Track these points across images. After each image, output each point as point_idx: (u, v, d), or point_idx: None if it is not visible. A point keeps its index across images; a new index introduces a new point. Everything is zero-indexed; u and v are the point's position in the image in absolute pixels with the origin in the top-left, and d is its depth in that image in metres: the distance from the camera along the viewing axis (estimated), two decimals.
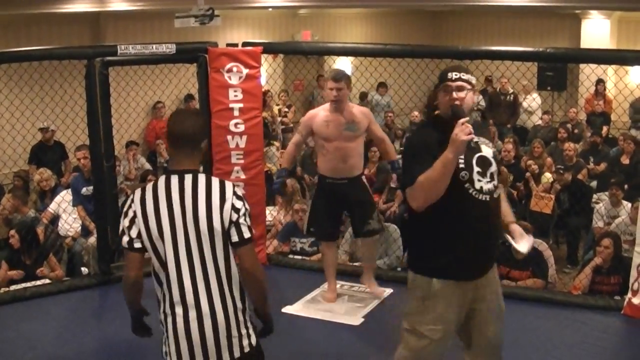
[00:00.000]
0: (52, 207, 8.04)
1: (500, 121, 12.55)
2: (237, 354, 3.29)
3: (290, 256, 7.20)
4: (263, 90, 11.64)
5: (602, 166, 10.19)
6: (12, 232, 6.67)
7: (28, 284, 6.43)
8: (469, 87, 3.62)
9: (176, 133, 3.29)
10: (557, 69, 13.90)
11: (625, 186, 8.55)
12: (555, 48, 6.65)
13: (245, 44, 6.93)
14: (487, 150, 3.67)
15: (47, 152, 10.08)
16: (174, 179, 3.25)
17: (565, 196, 8.74)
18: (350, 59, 13.49)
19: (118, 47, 6.42)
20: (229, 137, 6.74)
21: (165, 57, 6.73)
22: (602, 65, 6.63)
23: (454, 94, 3.58)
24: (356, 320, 5.74)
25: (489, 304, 3.78)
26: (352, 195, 5.84)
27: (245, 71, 6.71)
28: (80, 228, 7.80)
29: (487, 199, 3.61)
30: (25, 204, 7.99)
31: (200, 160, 3.38)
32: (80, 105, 7.21)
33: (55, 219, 7.97)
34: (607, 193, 8.52)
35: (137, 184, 8.89)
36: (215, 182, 3.27)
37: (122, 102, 9.03)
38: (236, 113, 6.73)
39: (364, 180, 6.04)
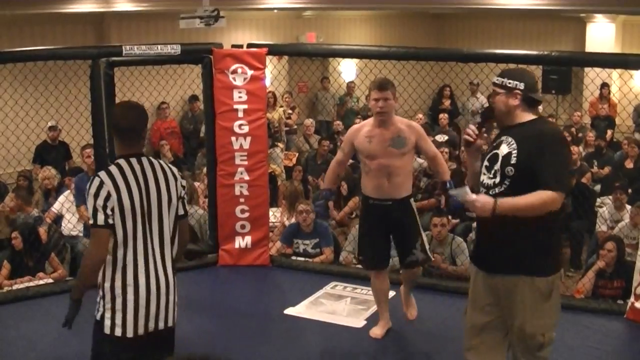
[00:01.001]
0: (56, 206, 8.05)
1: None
2: (175, 319, 3.79)
3: (293, 258, 7.19)
4: (270, 91, 11.71)
5: (606, 170, 10.18)
6: (15, 233, 6.67)
7: (30, 284, 6.43)
8: (501, 91, 3.78)
9: (125, 125, 3.70)
10: (562, 73, 13.87)
11: (629, 190, 8.53)
12: (559, 51, 6.66)
13: (250, 46, 6.94)
14: (503, 150, 3.74)
15: (51, 152, 10.10)
16: (134, 161, 3.63)
17: (568, 200, 8.72)
18: (354, 61, 13.50)
19: (123, 47, 6.43)
20: (233, 139, 6.75)
21: (170, 58, 6.74)
22: (607, 69, 6.63)
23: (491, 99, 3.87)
24: (359, 322, 5.73)
25: (507, 312, 3.80)
26: (396, 217, 5.24)
27: (249, 72, 6.72)
28: (83, 228, 7.81)
29: (483, 192, 3.75)
30: (29, 203, 8.01)
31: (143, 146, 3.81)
32: (84, 106, 7.22)
33: (58, 218, 7.97)
34: (610, 197, 8.51)
35: None
36: (164, 163, 3.75)
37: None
38: (240, 114, 6.74)
39: (412, 203, 5.37)
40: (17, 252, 6.63)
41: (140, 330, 3.59)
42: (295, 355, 5.17)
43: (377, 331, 5.47)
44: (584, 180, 9.27)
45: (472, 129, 3.85)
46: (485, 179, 3.79)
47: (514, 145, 3.69)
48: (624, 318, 5.75)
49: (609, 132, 12.11)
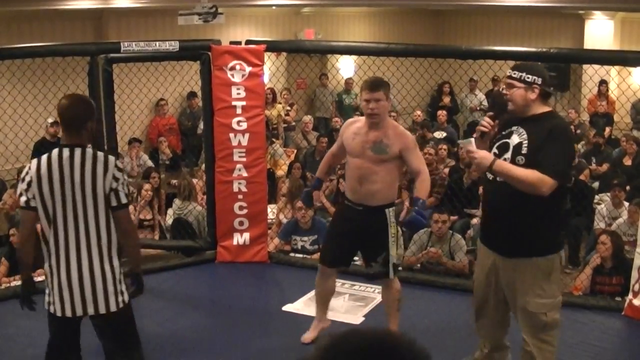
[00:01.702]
0: None
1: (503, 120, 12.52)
2: (113, 307, 3.86)
3: (292, 254, 7.20)
4: (269, 88, 11.70)
5: (604, 167, 10.18)
6: (13, 230, 6.67)
7: None
8: (520, 85, 3.92)
9: (64, 115, 3.85)
10: (560, 70, 13.87)
11: (627, 187, 8.54)
12: (558, 48, 6.65)
13: (248, 42, 6.94)
14: (514, 140, 3.92)
15: (50, 149, 10.05)
16: (66, 152, 3.78)
17: (567, 196, 8.72)
18: (353, 57, 13.49)
19: (121, 44, 6.43)
20: (232, 135, 6.75)
21: (168, 55, 6.75)
22: (605, 66, 6.63)
23: (504, 90, 4.00)
24: (357, 319, 5.75)
25: (510, 293, 4.06)
26: (364, 226, 4.90)
27: (248, 69, 6.72)
28: None
29: (491, 178, 3.97)
30: None
31: (89, 138, 3.87)
32: None
33: None
34: (609, 194, 8.51)
35: (140, 181, 8.90)
36: (100, 155, 3.80)
37: (126, 99, 9.03)
38: (239, 111, 6.74)
39: (389, 215, 4.91)
40: (15, 249, 6.63)
41: (68, 313, 3.85)
42: (294, 351, 5.17)
43: (307, 335, 5.27)
44: (582, 177, 9.28)
45: (487, 120, 4.02)
46: None
47: (525, 136, 3.86)
48: (622, 315, 5.76)
49: (608, 129, 12.11)
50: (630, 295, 5.75)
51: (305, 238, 7.23)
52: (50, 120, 9.90)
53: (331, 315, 5.77)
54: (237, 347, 5.30)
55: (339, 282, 6.34)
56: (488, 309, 4.26)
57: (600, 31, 14.30)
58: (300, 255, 7.14)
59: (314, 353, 1.47)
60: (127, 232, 3.91)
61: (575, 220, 8.58)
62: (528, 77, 3.90)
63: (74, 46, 7.33)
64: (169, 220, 8.20)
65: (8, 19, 10.83)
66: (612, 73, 11.96)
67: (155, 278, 6.51)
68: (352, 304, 6.03)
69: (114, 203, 3.80)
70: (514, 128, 3.94)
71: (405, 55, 7.01)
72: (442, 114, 12.45)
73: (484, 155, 3.83)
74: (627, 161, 10.03)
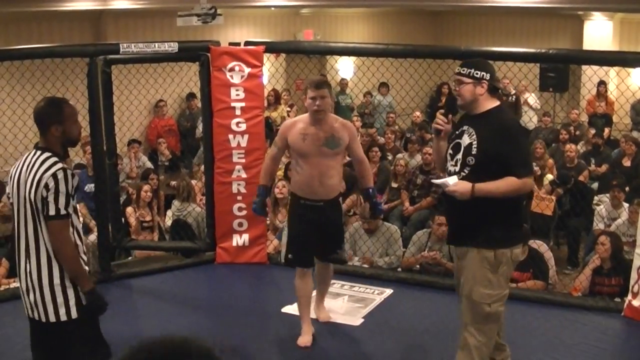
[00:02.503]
0: None
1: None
2: (52, 318, 3.73)
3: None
4: (273, 89, 11.70)
5: (604, 168, 10.18)
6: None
7: None
8: (468, 80, 4.05)
9: (34, 117, 3.83)
10: (559, 70, 13.87)
11: (627, 188, 8.54)
12: (557, 49, 6.66)
13: (247, 43, 6.94)
14: (465, 140, 4.05)
15: None
16: (30, 154, 3.79)
17: (566, 198, 8.73)
18: (352, 58, 13.50)
19: (120, 45, 6.43)
20: (231, 136, 6.75)
21: (167, 56, 6.75)
22: (604, 67, 6.63)
23: (453, 87, 4.15)
24: (356, 320, 5.74)
25: (461, 280, 4.18)
26: (327, 219, 5.15)
27: (247, 70, 6.72)
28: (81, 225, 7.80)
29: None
30: None
31: (55, 142, 3.77)
32: (82, 104, 7.20)
33: None
34: (608, 195, 8.51)
35: (139, 182, 8.89)
36: (47, 160, 3.69)
37: (125, 100, 9.03)
38: (238, 112, 6.74)
39: (340, 202, 5.37)
40: (14, 250, 6.62)
41: (28, 314, 3.85)
42: (293, 353, 5.17)
43: (305, 339, 5.29)
44: (581, 178, 9.28)
45: (441, 118, 4.15)
46: (449, 166, 4.13)
47: (474, 137, 4.01)
48: (621, 316, 5.76)
49: (607, 130, 12.11)
50: (629, 296, 5.75)
51: None
52: None
53: (331, 317, 5.77)
54: (237, 348, 5.29)
55: (338, 284, 6.36)
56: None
57: (599, 32, 14.29)
58: None
59: None
60: (54, 245, 3.71)
61: (575, 221, 8.59)
62: (477, 73, 4.04)
63: (72, 47, 7.31)
64: (168, 221, 8.20)
65: (7, 20, 10.83)
66: (611, 74, 11.96)
67: (154, 279, 6.51)
68: (351, 306, 6.02)
69: (43, 213, 3.67)
70: (465, 128, 4.07)
71: (404, 56, 7.00)
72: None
73: (463, 190, 3.94)
74: (626, 162, 10.03)
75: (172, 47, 6.60)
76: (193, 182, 8.66)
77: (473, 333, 4.11)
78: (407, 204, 8.72)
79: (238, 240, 6.94)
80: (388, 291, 6.27)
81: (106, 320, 5.81)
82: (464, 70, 4.07)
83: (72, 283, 3.74)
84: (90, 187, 7.53)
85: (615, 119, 12.54)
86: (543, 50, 6.27)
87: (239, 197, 6.84)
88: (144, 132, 12.14)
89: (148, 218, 8.11)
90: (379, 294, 6.25)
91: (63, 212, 3.64)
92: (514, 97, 13.10)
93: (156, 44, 6.58)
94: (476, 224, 4.06)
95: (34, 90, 8.80)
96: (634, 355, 5.35)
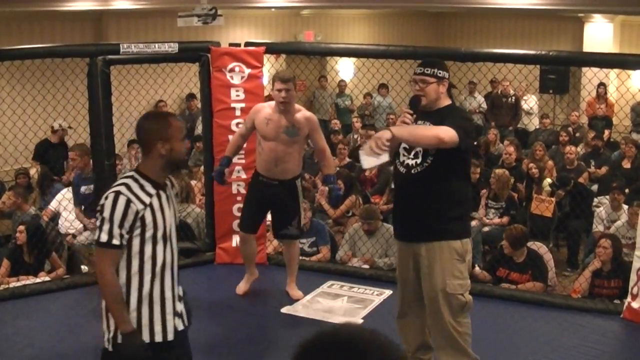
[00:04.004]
0: (53, 204, 8.04)
1: (501, 123, 12.54)
2: (105, 343, 3.46)
3: None
4: (269, 94, 11.69)
5: (603, 170, 10.18)
6: (21, 227, 6.66)
7: (28, 281, 6.43)
8: (432, 80, 4.18)
9: (136, 133, 3.54)
10: (560, 72, 13.88)
11: (626, 190, 8.54)
12: (557, 51, 6.67)
13: (247, 44, 6.94)
14: None
15: (50, 150, 10.09)
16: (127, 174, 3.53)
17: (566, 199, 8.73)
18: (352, 59, 13.50)
19: (121, 45, 6.43)
20: (230, 137, 6.74)
21: (167, 56, 6.74)
22: (605, 69, 6.63)
23: (416, 86, 4.21)
24: (355, 321, 5.73)
25: (428, 277, 4.22)
26: (279, 197, 5.78)
27: (247, 71, 6.72)
28: (81, 226, 7.80)
29: (404, 172, 4.22)
30: (26, 201, 8.00)
31: (158, 161, 3.41)
32: (82, 103, 7.22)
33: (55, 216, 7.97)
34: (607, 197, 8.51)
35: None
36: (114, 185, 3.41)
37: (124, 100, 9.03)
38: (238, 113, 6.74)
39: (298, 185, 5.92)
40: (16, 249, 6.63)
41: None
42: (292, 354, 5.17)
43: (242, 286, 6.20)
44: (581, 180, 9.28)
45: (408, 117, 4.18)
46: (405, 159, 4.21)
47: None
48: (620, 318, 5.76)
49: (607, 132, 12.12)
50: (628, 298, 5.75)
51: (304, 240, 7.22)
52: (64, 124, 9.88)
53: (329, 318, 5.78)
54: (236, 348, 5.29)
55: (337, 284, 6.36)
56: (415, 306, 4.40)
57: (600, 34, 14.31)
58: (299, 257, 7.13)
59: (296, 349, 1.63)
60: (96, 272, 3.46)
61: (574, 222, 8.58)
62: (440, 72, 4.19)
63: (73, 47, 7.32)
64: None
65: (8, 20, 10.84)
66: (611, 76, 11.96)
67: None
68: (350, 306, 6.03)
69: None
70: (422, 122, 4.20)
71: (404, 58, 7.00)
72: None
73: (380, 133, 3.92)
74: (626, 164, 10.03)
75: (173, 47, 6.60)
76: (192, 182, 8.66)
77: (455, 326, 4.21)
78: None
79: (238, 240, 6.93)
80: (387, 292, 6.26)
81: None
82: (428, 70, 4.20)
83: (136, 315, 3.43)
84: (87, 188, 7.52)
85: (615, 121, 12.53)
86: (543, 52, 6.28)
87: (239, 198, 6.83)
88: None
89: None
90: (378, 295, 6.25)
91: (103, 239, 3.31)
92: (513, 98, 13.09)
93: (156, 45, 6.58)
94: (441, 219, 4.18)
95: (34, 90, 8.83)
96: (632, 357, 5.35)
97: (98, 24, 12.22)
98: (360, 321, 5.73)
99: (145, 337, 3.40)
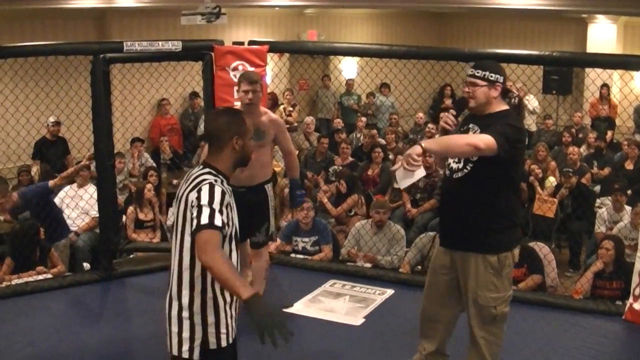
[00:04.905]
0: (55, 202, 8.03)
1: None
2: (174, 351, 3.37)
3: (292, 255, 7.20)
4: (271, 92, 11.69)
5: (606, 171, 10.17)
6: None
7: (29, 279, 6.43)
8: (483, 83, 4.03)
9: (209, 129, 3.49)
10: (563, 73, 13.86)
11: (629, 191, 8.53)
12: (561, 52, 6.65)
13: (251, 43, 6.94)
14: None
15: (51, 148, 10.10)
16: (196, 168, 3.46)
17: (568, 200, 8.73)
18: (355, 59, 13.49)
19: (124, 43, 6.43)
20: None
21: (171, 54, 6.74)
22: (608, 70, 6.62)
23: (465, 89, 4.09)
24: (357, 320, 5.74)
25: (464, 286, 4.19)
26: (247, 204, 5.14)
27: (250, 70, 6.71)
28: (84, 224, 7.81)
29: (448, 175, 4.16)
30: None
31: (231, 157, 3.40)
32: (85, 101, 7.22)
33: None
34: (610, 198, 8.51)
35: (141, 180, 8.90)
36: (199, 175, 3.34)
37: (128, 96, 9.04)
38: None
39: (268, 189, 5.55)
40: (17, 246, 6.63)
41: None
42: (293, 352, 5.16)
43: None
44: (583, 180, 9.27)
45: (451, 119, 4.10)
46: (452, 163, 4.13)
47: (478, 133, 4.01)
48: (622, 319, 5.75)
49: (609, 133, 12.11)
50: (630, 300, 5.75)
51: (306, 239, 7.24)
52: (51, 119, 9.90)
53: (331, 317, 5.79)
54: (237, 347, 5.28)
55: (339, 284, 6.36)
56: (440, 311, 4.36)
57: (603, 35, 14.28)
58: (301, 256, 7.14)
59: None
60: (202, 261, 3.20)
61: (576, 224, 8.58)
62: (491, 76, 4.03)
63: (76, 45, 7.32)
64: (170, 220, 8.20)
65: (11, 17, 10.84)
66: (615, 77, 11.95)
67: (156, 278, 6.50)
68: (352, 306, 6.02)
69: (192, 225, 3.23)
70: (470, 126, 4.10)
71: (407, 58, 6.99)
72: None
73: (410, 149, 3.79)
74: (629, 165, 10.02)
75: (176, 45, 6.59)
76: None
77: (482, 334, 4.17)
78: (408, 205, 8.72)
79: None
80: (389, 291, 6.27)
81: (106, 319, 5.85)
82: (478, 73, 4.05)
83: (201, 321, 3.36)
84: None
85: (618, 122, 12.53)
86: (547, 53, 6.26)
87: None
88: (147, 131, 12.14)
89: (150, 217, 8.11)
90: (380, 295, 6.25)
91: (204, 222, 3.18)
92: (517, 99, 13.04)
93: (160, 43, 6.57)
94: (479, 229, 4.08)
95: (37, 87, 8.83)
96: (634, 359, 5.34)
97: (101, 22, 12.22)
98: (362, 320, 5.73)
99: (212, 344, 3.38)
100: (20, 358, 5.17)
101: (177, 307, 3.35)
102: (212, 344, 3.38)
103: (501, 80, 4.06)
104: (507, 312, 4.20)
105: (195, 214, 3.18)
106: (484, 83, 4.03)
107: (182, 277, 3.33)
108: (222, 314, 3.40)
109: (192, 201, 3.23)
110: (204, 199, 3.19)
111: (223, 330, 3.41)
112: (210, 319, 3.36)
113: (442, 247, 4.33)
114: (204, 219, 3.15)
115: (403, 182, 3.88)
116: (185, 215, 3.28)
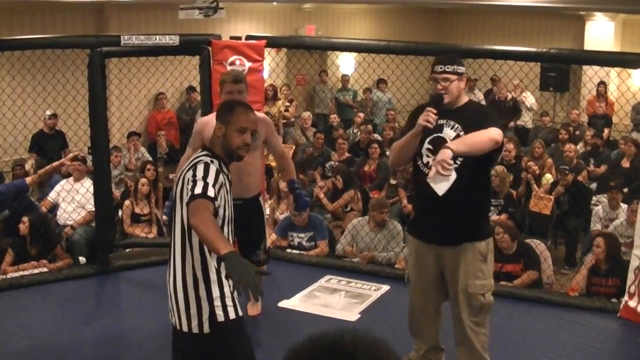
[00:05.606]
0: (52, 195, 8.03)
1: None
2: (184, 328, 3.50)
3: (288, 250, 7.21)
4: (270, 84, 11.69)
5: (603, 168, 10.18)
6: (25, 219, 6.65)
7: (26, 272, 6.43)
8: (453, 77, 4.11)
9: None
10: (560, 70, 13.88)
11: (625, 189, 8.53)
12: (558, 49, 6.65)
13: (248, 37, 6.93)
14: (449, 133, 4.12)
15: (48, 141, 10.08)
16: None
17: (564, 197, 8.73)
18: (353, 54, 13.48)
19: (121, 37, 6.42)
20: None
21: (168, 49, 6.73)
22: (605, 68, 6.62)
23: (439, 85, 4.12)
24: (353, 315, 5.75)
25: (452, 278, 4.23)
26: (244, 219, 4.83)
27: (248, 64, 6.71)
28: (80, 218, 7.81)
29: (424, 171, 4.15)
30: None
31: (216, 140, 3.58)
32: (82, 95, 7.21)
33: (54, 207, 7.97)
34: (606, 195, 8.51)
35: (137, 174, 8.89)
36: (197, 157, 3.54)
37: (124, 90, 9.02)
38: None
39: (261, 202, 5.34)
40: (20, 241, 6.62)
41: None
42: (283, 357, 5.17)
43: (251, 309, 5.56)
44: (580, 178, 9.28)
45: (432, 116, 4.04)
46: (430, 160, 4.11)
47: (459, 128, 4.10)
48: (617, 316, 5.77)
49: (606, 130, 12.12)
50: (625, 297, 5.76)
51: (302, 234, 7.24)
52: (48, 112, 9.89)
53: (327, 312, 5.79)
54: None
55: (335, 279, 6.36)
56: (429, 307, 4.41)
57: (601, 33, 14.29)
58: (297, 252, 7.15)
59: (287, 352, 1.60)
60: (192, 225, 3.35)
61: (573, 221, 8.59)
62: (459, 69, 4.14)
63: (73, 38, 7.31)
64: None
65: (9, 10, 10.81)
66: (612, 74, 11.95)
67: (152, 272, 6.51)
68: (348, 301, 6.03)
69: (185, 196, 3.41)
70: (443, 122, 4.12)
71: (405, 54, 7.00)
72: None
73: (441, 155, 3.80)
74: (625, 163, 10.03)
75: (174, 40, 6.59)
76: None
77: (472, 326, 4.21)
78: (404, 201, 8.72)
79: None
80: (385, 287, 6.28)
81: (103, 312, 5.86)
82: (449, 68, 4.12)
83: (207, 295, 3.46)
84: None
85: (615, 119, 12.53)
86: (544, 50, 6.27)
87: None
88: (144, 125, 12.13)
89: (146, 211, 8.11)
90: (375, 290, 6.26)
91: (197, 191, 3.33)
92: (512, 102, 13.04)
93: (157, 37, 6.57)
94: (472, 221, 4.20)
95: (34, 81, 8.83)
96: (629, 356, 5.36)
97: (99, 15, 12.18)
98: (358, 316, 5.74)
99: (220, 316, 3.47)
100: (16, 351, 5.17)
101: (181, 283, 3.47)
102: (220, 317, 3.47)
103: (464, 71, 4.20)
104: (492, 302, 4.29)
105: (189, 187, 3.36)
106: (455, 77, 4.12)
107: (183, 253, 3.46)
108: (226, 288, 3.49)
109: (188, 179, 3.40)
110: (199, 174, 3.38)
111: (229, 302, 3.50)
112: (215, 292, 3.46)
113: (421, 243, 4.34)
114: (197, 190, 3.32)
115: (441, 187, 3.91)
116: (182, 194, 3.43)
